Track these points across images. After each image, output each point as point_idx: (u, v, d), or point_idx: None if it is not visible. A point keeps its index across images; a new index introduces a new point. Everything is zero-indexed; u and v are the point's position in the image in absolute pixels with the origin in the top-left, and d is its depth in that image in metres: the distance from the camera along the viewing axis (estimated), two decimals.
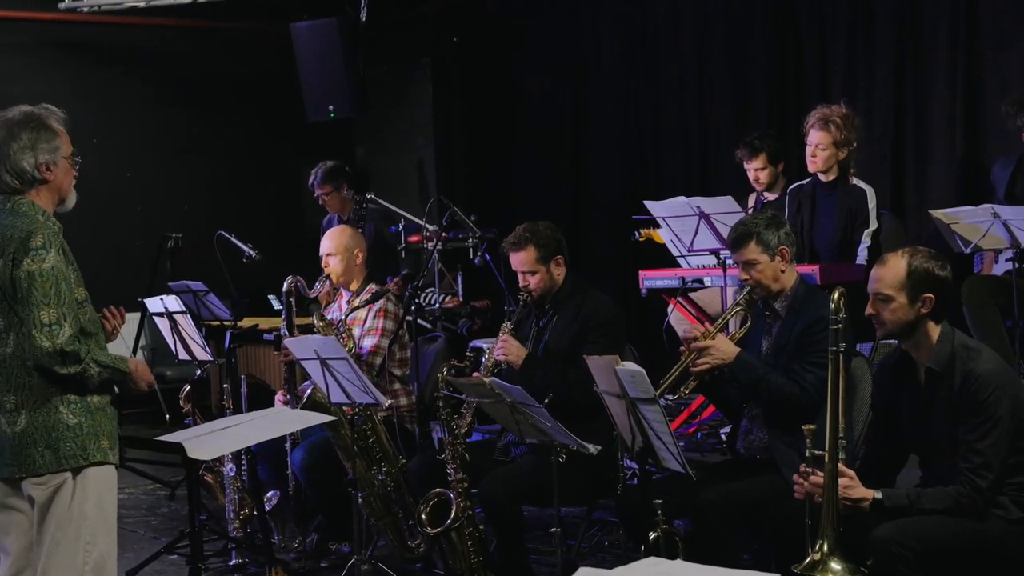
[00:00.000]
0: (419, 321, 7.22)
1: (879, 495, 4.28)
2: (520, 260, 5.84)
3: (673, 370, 5.03)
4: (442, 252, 8.35)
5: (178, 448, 4.55)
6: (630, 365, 4.44)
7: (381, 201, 8.67)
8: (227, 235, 7.94)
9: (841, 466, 4.27)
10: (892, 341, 6.36)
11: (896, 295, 4.36)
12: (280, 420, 5.01)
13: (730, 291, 6.61)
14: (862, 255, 6.62)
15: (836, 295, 4.33)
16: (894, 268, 4.40)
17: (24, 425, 4.05)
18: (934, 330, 4.41)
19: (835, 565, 4.10)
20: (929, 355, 4.41)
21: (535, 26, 10.87)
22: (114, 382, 4.21)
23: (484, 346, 7.15)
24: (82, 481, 4.09)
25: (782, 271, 5.07)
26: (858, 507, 4.27)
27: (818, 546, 4.15)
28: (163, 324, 6.89)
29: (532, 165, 10.82)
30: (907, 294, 4.35)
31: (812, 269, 6.23)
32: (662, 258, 7.56)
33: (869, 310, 4.46)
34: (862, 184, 6.75)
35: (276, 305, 9.83)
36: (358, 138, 12.09)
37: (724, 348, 4.99)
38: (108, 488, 4.19)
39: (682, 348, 5.08)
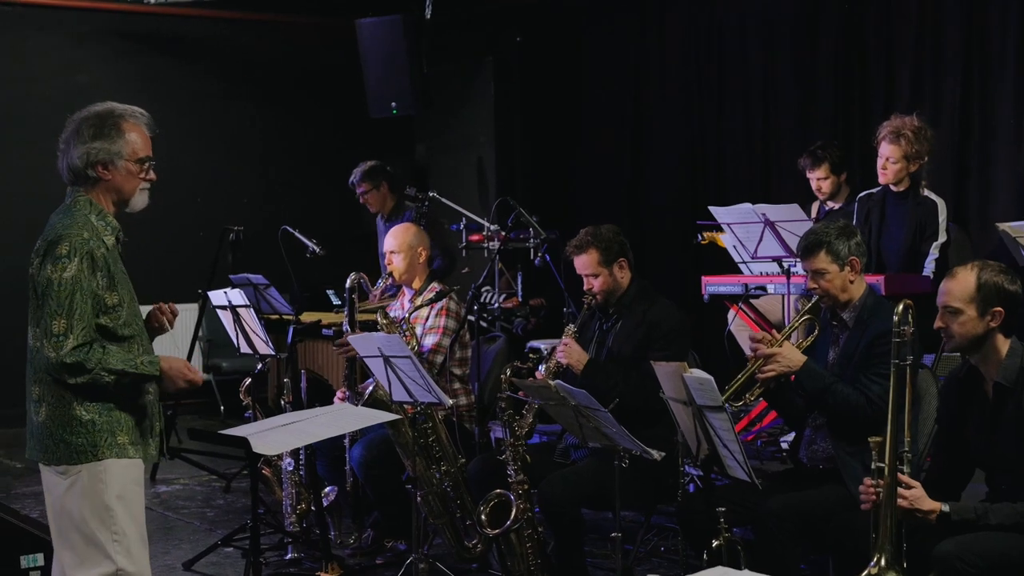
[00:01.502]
0: (479, 321, 7.22)
1: (946, 508, 4.24)
2: (583, 263, 5.82)
3: (739, 376, 5.00)
4: (502, 252, 8.35)
5: (243, 442, 4.56)
6: (698, 372, 4.42)
7: (443, 199, 8.69)
8: (291, 230, 7.98)
9: (908, 479, 4.24)
10: (956, 353, 6.37)
11: (965, 308, 4.34)
12: (344, 417, 5.00)
13: (792, 299, 6.57)
14: (929, 267, 6.57)
15: (901, 308, 4.29)
16: (963, 281, 4.37)
17: (44, 416, 4.09)
18: (1003, 344, 4.38)
19: None
20: (997, 369, 4.38)
21: (598, 27, 10.85)
22: (147, 383, 4.19)
23: (542, 346, 7.16)
24: (101, 475, 4.09)
25: (851, 281, 5.03)
26: (926, 519, 4.24)
27: (875, 559, 4.12)
28: (226, 317, 6.93)
29: (593, 167, 10.80)
30: (976, 307, 4.33)
31: (878, 279, 6.18)
32: (723, 264, 7.53)
33: (938, 323, 4.43)
34: (933, 196, 6.70)
35: (334, 300, 9.88)
36: (419, 135, 12.12)
37: (791, 356, 4.95)
38: (132, 480, 4.17)
39: (749, 355, 5.05)
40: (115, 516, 4.12)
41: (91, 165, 4.14)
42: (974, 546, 4.13)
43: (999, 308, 4.32)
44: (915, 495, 4.23)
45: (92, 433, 4.08)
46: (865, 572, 4.13)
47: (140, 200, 4.29)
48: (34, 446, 4.16)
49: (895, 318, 4.29)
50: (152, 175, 4.28)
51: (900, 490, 4.20)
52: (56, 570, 4.28)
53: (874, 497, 4.23)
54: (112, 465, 4.11)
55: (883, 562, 4.10)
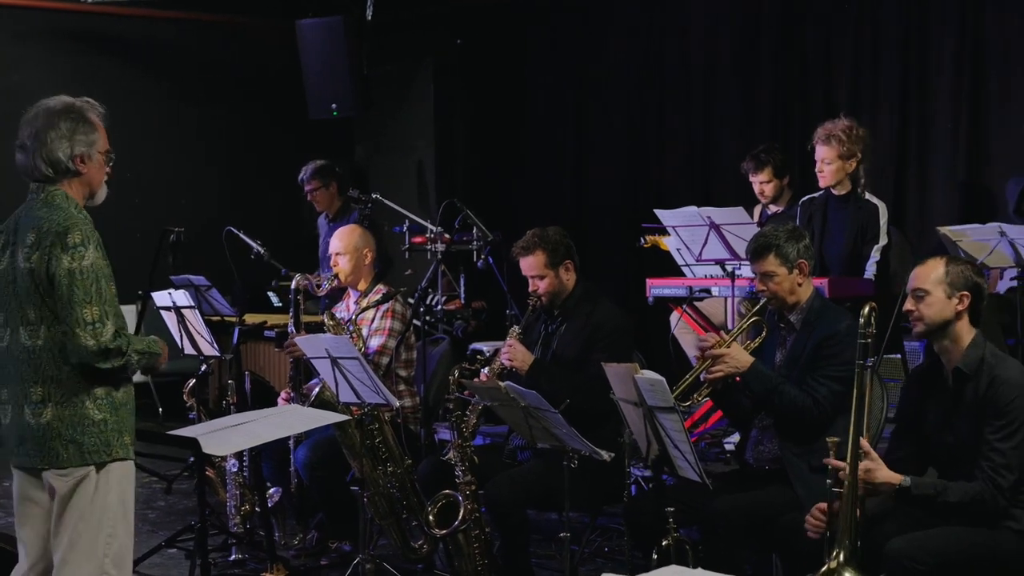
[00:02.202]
0: (421, 323, 7.22)
1: (907, 482, 4.33)
2: (529, 265, 5.85)
3: (687, 377, 5.05)
4: (445, 254, 8.36)
5: (192, 443, 4.55)
6: (649, 374, 4.46)
7: (386, 201, 8.69)
8: (236, 231, 7.93)
9: (866, 445, 4.34)
10: (896, 355, 6.47)
11: (933, 290, 4.47)
12: (293, 418, 5.00)
13: (736, 302, 6.64)
14: (870, 270, 6.66)
15: (867, 310, 4.38)
16: (932, 266, 4.53)
17: (49, 418, 4.05)
18: (967, 333, 4.50)
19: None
20: (959, 357, 4.49)
21: (540, 29, 10.87)
22: (149, 364, 4.23)
23: (484, 348, 7.16)
24: (105, 475, 4.10)
25: (799, 284, 5.10)
26: (879, 491, 4.34)
27: (834, 554, 4.18)
28: (169, 318, 6.88)
29: (534, 169, 10.82)
30: (944, 290, 4.46)
31: (821, 282, 6.25)
32: (666, 267, 7.58)
33: (907, 306, 4.55)
34: (875, 200, 6.79)
35: (275, 302, 9.83)
36: (359, 137, 12.09)
37: (739, 357, 5.01)
38: (129, 483, 4.20)
39: (697, 355, 5.10)
40: (112, 518, 4.12)
41: (72, 158, 4.13)
42: (926, 543, 4.22)
43: (966, 292, 4.45)
44: (869, 466, 4.31)
45: (104, 432, 4.09)
46: (824, 568, 4.19)
47: (103, 193, 4.32)
48: (29, 451, 4.10)
49: (860, 319, 4.37)
50: (110, 168, 4.30)
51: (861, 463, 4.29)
52: (20, 571, 4.25)
53: (822, 527, 4.30)
54: (117, 467, 4.13)
55: (842, 557, 4.16)
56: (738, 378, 5.06)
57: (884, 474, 4.34)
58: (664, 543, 4.59)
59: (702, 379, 5.08)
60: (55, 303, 4.02)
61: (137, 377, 10.61)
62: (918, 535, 4.24)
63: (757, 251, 5.13)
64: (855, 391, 4.32)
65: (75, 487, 4.07)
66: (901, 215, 8.15)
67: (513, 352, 5.73)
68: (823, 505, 4.37)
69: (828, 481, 4.33)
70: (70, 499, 4.08)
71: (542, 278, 5.83)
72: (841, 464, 4.28)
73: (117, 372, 4.08)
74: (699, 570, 3.46)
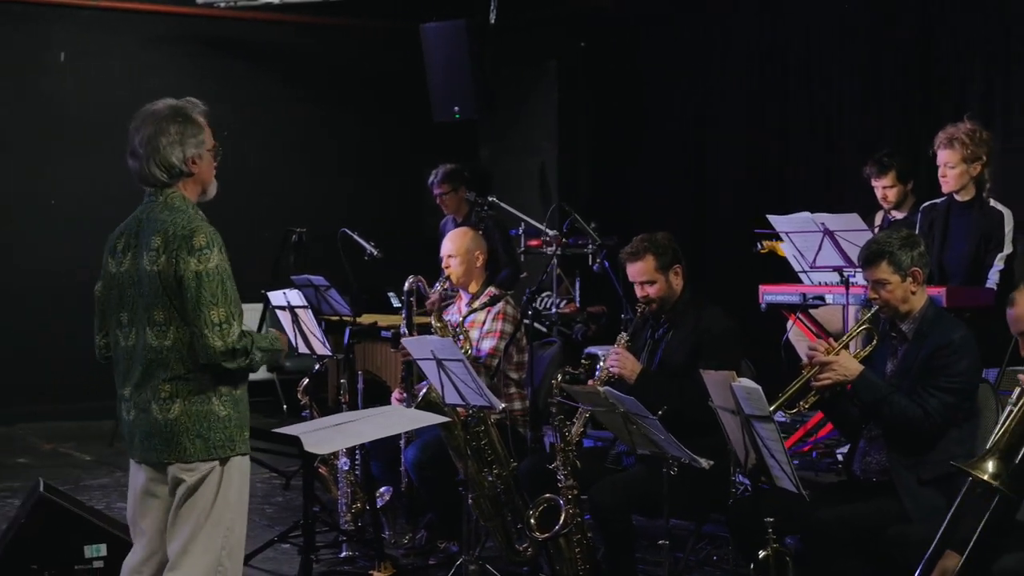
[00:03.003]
0: (535, 325, 7.24)
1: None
2: (638, 270, 5.81)
3: (794, 383, 4.95)
4: (561, 258, 8.36)
5: (295, 441, 4.62)
6: (746, 382, 4.40)
7: (502, 204, 8.71)
8: (350, 232, 8.04)
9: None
10: (1021, 368, 6.30)
11: None
12: (394, 419, 5.05)
13: (852, 309, 6.52)
14: (993, 279, 6.48)
15: None
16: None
17: (177, 414, 4.13)
18: None
19: None
20: None
21: (663, 34, 10.83)
22: (271, 362, 4.34)
23: (599, 352, 7.13)
24: (228, 470, 4.18)
25: (912, 292, 4.97)
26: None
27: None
28: (284, 317, 6.99)
29: (655, 173, 10.78)
30: None
31: (939, 291, 6.10)
32: (784, 272, 7.48)
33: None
34: (1000, 206, 6.61)
35: (395, 303, 9.93)
36: (482, 139, 12.16)
37: (847, 365, 4.91)
38: (247, 477, 4.28)
39: (804, 363, 5.02)
40: (230, 511, 4.21)
41: (185, 161, 4.22)
42: None
43: None
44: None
45: (228, 428, 4.18)
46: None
47: (214, 187, 4.39)
48: (157, 445, 4.18)
49: None
50: (217, 162, 4.38)
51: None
52: (129, 567, 4.33)
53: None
54: (238, 461, 4.22)
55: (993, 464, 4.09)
56: (848, 386, 4.96)
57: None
58: (763, 554, 4.51)
59: (810, 386, 4.99)
60: (183, 305, 4.10)
61: (263, 374, 10.96)
62: None
63: (869, 258, 5.02)
64: None
65: (200, 481, 4.16)
66: None
67: (622, 360, 5.69)
68: None
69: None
70: (194, 493, 4.16)
71: (651, 283, 5.79)
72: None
73: (242, 370, 4.17)
74: None
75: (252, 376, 8.21)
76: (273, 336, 4.31)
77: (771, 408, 4.60)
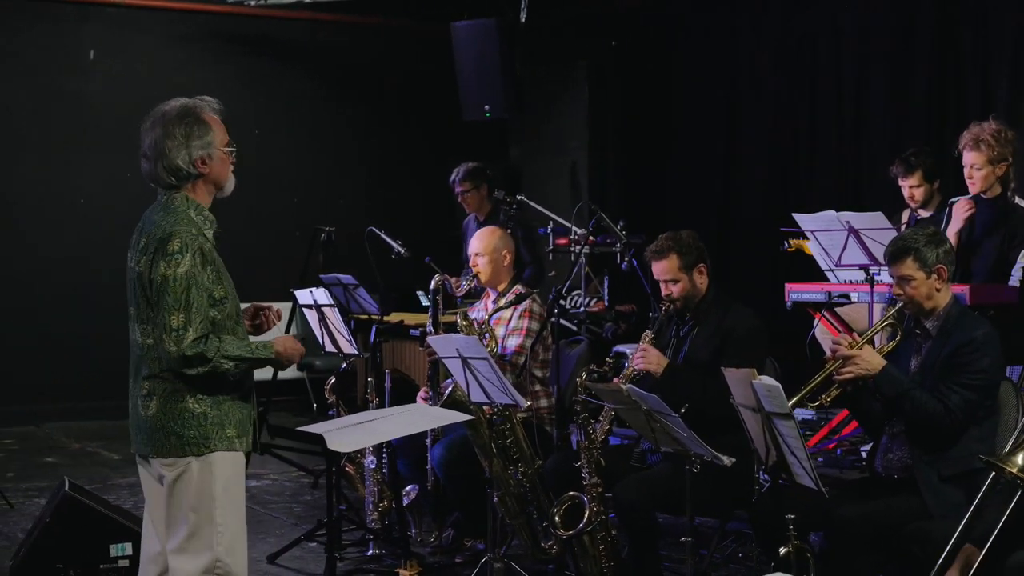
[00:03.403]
0: (563, 323, 7.25)
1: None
2: (662, 269, 5.83)
3: (816, 376, 4.96)
4: (589, 256, 8.38)
5: (319, 439, 4.65)
6: (766, 379, 4.42)
7: (530, 203, 8.73)
8: (377, 231, 8.07)
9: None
10: None
11: None
12: (419, 417, 5.08)
13: (877, 308, 6.51)
14: (1016, 276, 6.46)
15: None
16: None
17: (155, 410, 4.20)
18: None
19: None
20: None
21: (692, 34, 10.84)
22: (260, 368, 4.32)
23: (627, 351, 7.14)
24: (209, 466, 4.21)
25: (937, 290, 4.97)
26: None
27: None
28: (311, 316, 7.04)
29: (684, 172, 10.79)
30: None
31: (962, 289, 6.08)
32: (811, 271, 7.48)
33: None
34: None
35: (423, 301, 9.97)
36: (512, 139, 12.18)
37: (870, 359, 4.92)
38: (236, 473, 4.30)
39: (827, 356, 5.03)
40: (219, 507, 4.22)
41: (192, 163, 4.22)
42: None
43: None
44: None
45: (204, 426, 4.19)
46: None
47: (231, 183, 4.39)
48: (142, 440, 4.26)
49: None
50: (233, 159, 4.38)
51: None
52: (147, 557, 4.39)
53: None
54: (220, 457, 4.23)
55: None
56: (871, 381, 4.97)
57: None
58: (784, 550, 4.52)
59: (833, 380, 5.00)
60: (150, 307, 4.16)
61: (293, 372, 11.00)
62: None
63: (895, 254, 5.03)
64: None
65: (178, 476, 4.20)
66: None
67: (648, 356, 5.72)
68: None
69: None
70: (175, 488, 4.21)
71: (675, 282, 5.81)
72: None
73: (203, 377, 4.16)
74: None
75: (282, 375, 8.35)
76: (260, 345, 4.27)
77: (794, 400, 4.65)
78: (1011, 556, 4.16)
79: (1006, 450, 4.19)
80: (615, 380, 5.73)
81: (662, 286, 5.86)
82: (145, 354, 4.21)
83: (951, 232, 6.57)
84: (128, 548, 5.72)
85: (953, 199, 6.91)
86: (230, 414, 4.26)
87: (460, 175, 9.11)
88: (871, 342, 5.14)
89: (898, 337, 5.11)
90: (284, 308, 9.31)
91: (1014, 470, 4.04)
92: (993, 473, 4.33)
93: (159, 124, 4.23)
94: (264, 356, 4.27)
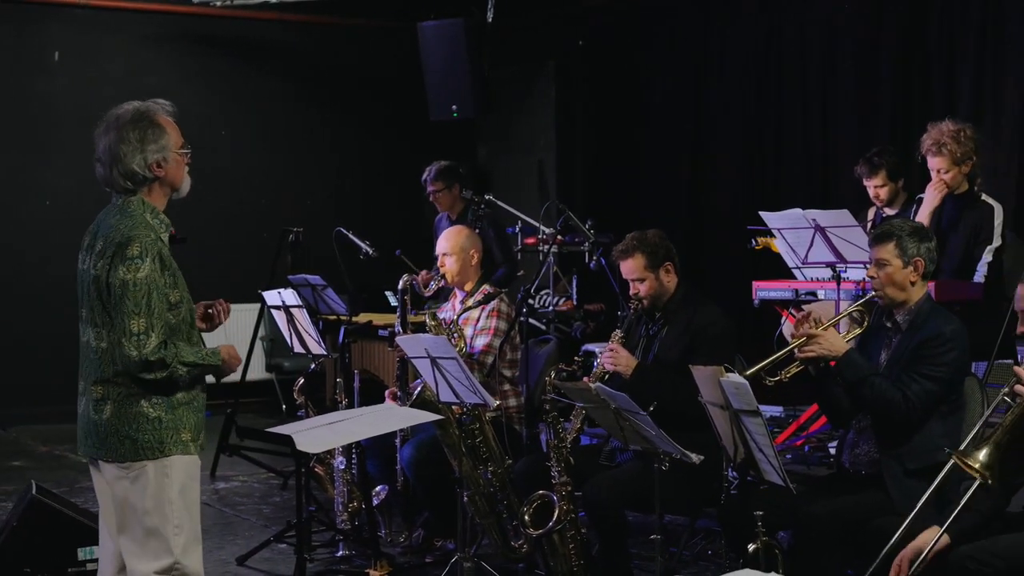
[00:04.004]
0: (531, 322, 7.26)
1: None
2: (629, 268, 5.85)
3: (779, 352, 5.01)
4: (558, 255, 8.39)
5: (288, 440, 4.65)
6: (734, 377, 4.44)
7: (498, 202, 8.74)
8: (345, 232, 8.06)
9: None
10: (1008, 361, 6.32)
11: None
12: (388, 417, 5.08)
13: (843, 304, 6.55)
14: (981, 271, 6.52)
15: None
16: None
17: (108, 415, 4.19)
18: None
19: None
20: None
21: (660, 33, 10.86)
22: (207, 374, 4.32)
23: (596, 350, 7.17)
24: (165, 469, 4.20)
25: (912, 282, 5.02)
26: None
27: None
28: (280, 317, 7.03)
29: (653, 171, 10.82)
30: None
31: (928, 285, 6.12)
32: (779, 268, 7.52)
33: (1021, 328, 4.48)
34: (991, 200, 6.66)
35: (392, 301, 9.97)
36: (480, 138, 12.19)
37: (833, 341, 4.97)
38: (191, 476, 4.29)
39: (793, 332, 5.07)
40: (176, 510, 4.22)
41: (147, 167, 4.21)
42: (991, 547, 4.13)
43: None
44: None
45: (159, 430, 4.19)
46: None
47: (187, 185, 4.38)
48: (93, 444, 4.26)
49: None
50: (188, 160, 4.36)
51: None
52: (107, 560, 4.39)
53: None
54: (176, 461, 4.22)
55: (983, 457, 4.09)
56: (832, 363, 5.00)
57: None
58: (753, 547, 4.54)
59: (795, 357, 5.04)
60: (108, 311, 4.15)
61: (261, 374, 10.94)
62: (984, 541, 4.17)
63: (879, 236, 5.09)
64: None
65: (133, 481, 4.19)
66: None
67: (617, 356, 5.74)
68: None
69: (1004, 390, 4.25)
70: (131, 491, 4.20)
71: (642, 281, 5.83)
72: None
73: (160, 383, 4.16)
74: (773, 575, 3.44)
75: (250, 376, 8.26)
76: (209, 352, 4.29)
77: (753, 369, 4.80)
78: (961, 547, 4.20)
79: (966, 444, 4.20)
80: (585, 379, 5.74)
81: (630, 285, 5.87)
82: (98, 357, 4.20)
83: (923, 215, 6.61)
84: (96, 552, 5.67)
85: (920, 195, 6.95)
86: (184, 418, 4.26)
87: (432, 174, 9.06)
88: (837, 326, 5.18)
89: (864, 324, 5.16)
90: (252, 309, 9.35)
91: (976, 466, 4.07)
92: (952, 464, 4.36)
93: (113, 128, 4.22)
94: (213, 363, 4.28)
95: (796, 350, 4.99)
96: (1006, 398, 4.21)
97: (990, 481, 4.04)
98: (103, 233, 4.19)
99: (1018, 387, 4.16)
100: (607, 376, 5.75)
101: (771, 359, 4.97)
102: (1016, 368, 4.21)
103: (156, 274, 4.13)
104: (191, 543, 4.27)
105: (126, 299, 4.08)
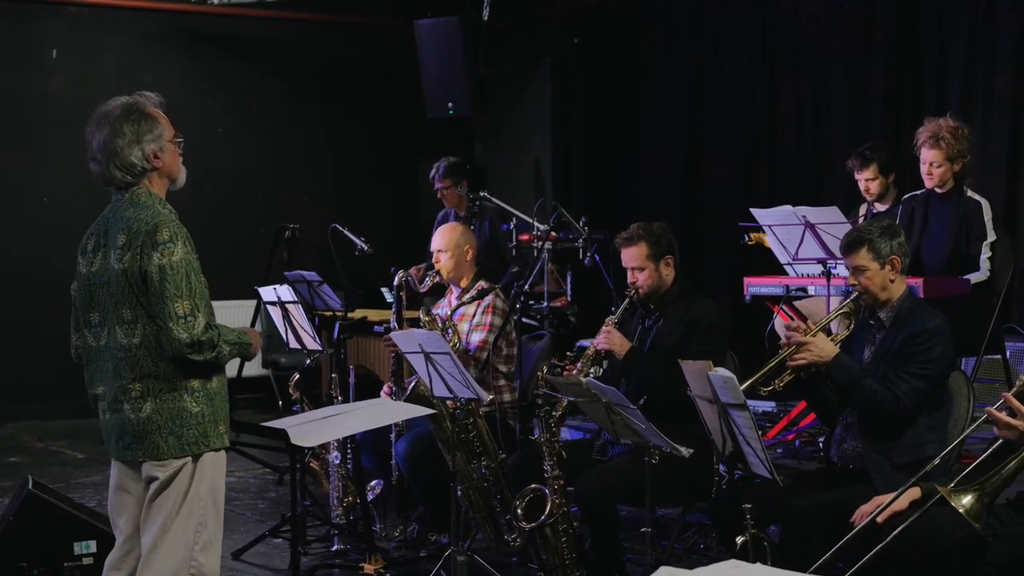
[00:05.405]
0: (524, 320, 7.30)
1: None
2: (630, 256, 5.88)
3: (771, 361, 5.06)
4: (552, 252, 8.41)
5: (282, 435, 4.69)
6: (722, 371, 4.48)
7: (494, 199, 8.77)
8: (341, 228, 8.10)
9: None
10: (997, 356, 6.37)
11: None
12: (382, 411, 5.12)
13: (834, 300, 6.59)
14: (984, 266, 6.55)
15: None
16: None
17: (149, 412, 4.15)
18: None
19: None
20: None
21: (656, 29, 10.90)
22: (241, 355, 4.32)
23: (590, 344, 7.21)
24: (200, 465, 4.21)
25: (891, 280, 5.07)
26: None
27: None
28: (275, 313, 7.06)
29: (648, 168, 10.85)
30: None
31: (916, 282, 6.17)
32: (772, 264, 7.56)
33: None
34: (977, 196, 6.70)
35: (388, 298, 10.01)
36: (477, 136, 12.22)
37: (823, 346, 5.01)
38: (220, 472, 4.31)
39: (782, 342, 5.11)
40: (203, 507, 4.23)
41: (146, 158, 4.22)
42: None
43: None
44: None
45: (202, 424, 4.19)
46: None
47: (183, 175, 4.39)
48: (130, 444, 4.21)
49: None
50: (181, 149, 4.38)
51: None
52: (115, 557, 4.39)
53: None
54: (211, 456, 4.24)
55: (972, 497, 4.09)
56: (823, 368, 5.05)
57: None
58: (741, 540, 4.59)
59: (786, 365, 5.08)
60: (148, 300, 4.11)
61: (257, 370, 10.97)
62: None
63: (850, 245, 5.13)
64: None
65: (172, 477, 4.17)
66: (1014, 217, 8.01)
67: (611, 337, 5.78)
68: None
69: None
70: (166, 488, 4.18)
71: (642, 270, 5.86)
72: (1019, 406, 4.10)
73: (210, 364, 4.18)
74: (758, 565, 3.48)
75: (247, 371, 8.30)
76: (241, 331, 4.29)
77: (747, 383, 4.80)
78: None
79: (958, 480, 4.20)
80: (577, 364, 5.77)
81: (628, 274, 5.91)
82: (133, 354, 4.16)
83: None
84: (92, 546, 5.70)
85: (907, 195, 7.00)
86: (221, 410, 4.28)
87: (440, 171, 9.02)
88: (827, 330, 5.23)
89: (851, 326, 5.21)
90: (248, 305, 9.39)
91: (960, 510, 4.08)
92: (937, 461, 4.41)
93: (105, 124, 4.23)
94: (248, 341, 4.28)
95: (788, 359, 5.04)
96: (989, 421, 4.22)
97: (976, 525, 4.05)
98: (121, 227, 4.17)
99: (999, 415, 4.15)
100: (599, 359, 5.79)
101: (764, 371, 5.02)
102: (1005, 395, 4.21)
103: (190, 255, 4.15)
104: (211, 542, 4.27)
105: (166, 283, 4.07)
